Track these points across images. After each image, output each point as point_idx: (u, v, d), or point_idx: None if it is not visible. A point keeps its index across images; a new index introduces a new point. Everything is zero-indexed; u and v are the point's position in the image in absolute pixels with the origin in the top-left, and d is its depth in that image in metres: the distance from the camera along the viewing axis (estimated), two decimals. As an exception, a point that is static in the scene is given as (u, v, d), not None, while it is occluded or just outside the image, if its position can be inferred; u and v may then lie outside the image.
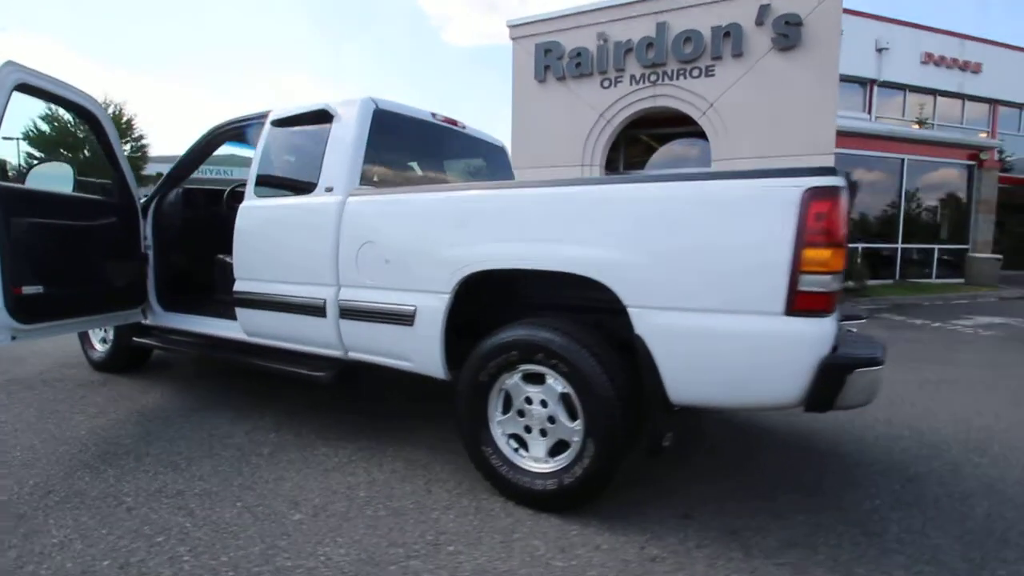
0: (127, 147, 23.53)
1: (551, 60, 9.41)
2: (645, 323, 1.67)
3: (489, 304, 2.24)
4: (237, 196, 3.60)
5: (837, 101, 7.79)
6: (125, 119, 23.65)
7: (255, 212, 2.69)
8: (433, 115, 2.96)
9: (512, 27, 9.76)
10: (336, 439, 2.57)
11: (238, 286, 2.73)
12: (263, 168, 2.75)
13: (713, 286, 1.60)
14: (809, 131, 7.61)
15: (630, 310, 1.70)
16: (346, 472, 2.22)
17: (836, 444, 2.65)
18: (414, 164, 3.03)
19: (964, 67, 18.34)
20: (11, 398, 3.09)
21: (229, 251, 3.45)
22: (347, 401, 3.09)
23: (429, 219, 2.10)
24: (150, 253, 3.24)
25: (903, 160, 13.07)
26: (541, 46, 9.49)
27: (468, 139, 3.26)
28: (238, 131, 3.10)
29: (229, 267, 3.25)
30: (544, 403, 1.92)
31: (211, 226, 3.51)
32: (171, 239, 3.35)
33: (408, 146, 2.84)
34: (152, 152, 24.86)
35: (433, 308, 2.08)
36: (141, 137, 24.85)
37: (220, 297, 3.31)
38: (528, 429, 1.97)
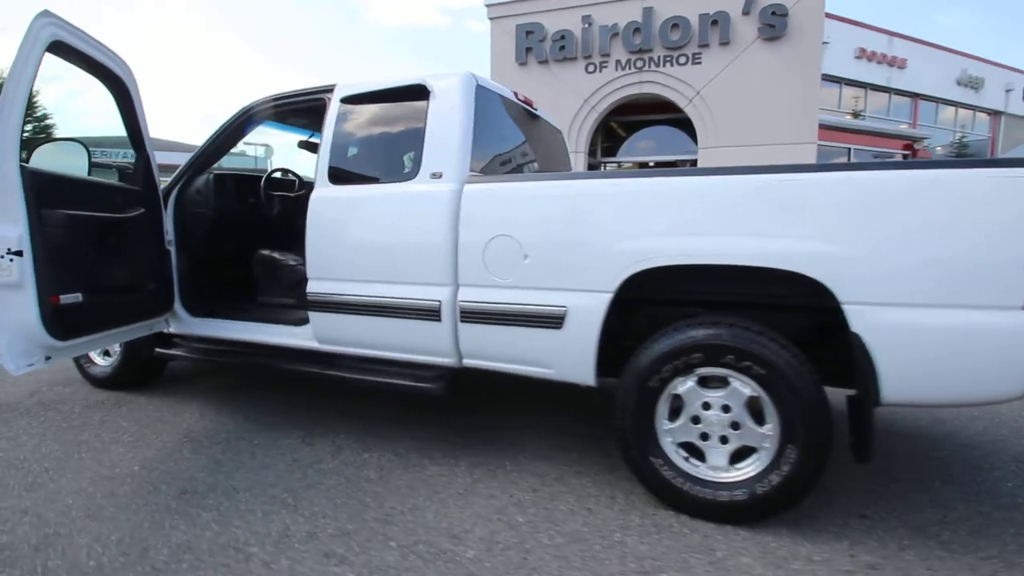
0: (28, 127, 20.87)
1: (533, 42, 9.19)
2: (865, 320, 1.58)
3: (630, 301, 2.08)
4: (274, 184, 3.20)
5: (819, 92, 8.15)
6: (24, 95, 20.82)
7: (333, 203, 2.36)
8: (515, 94, 2.73)
9: (490, 6, 9.43)
10: (440, 455, 2.33)
11: (313, 288, 2.39)
12: (336, 151, 2.41)
13: (943, 281, 1.53)
14: (793, 121, 7.92)
15: (846, 307, 1.60)
16: (482, 495, 2.00)
17: (924, 427, 2.72)
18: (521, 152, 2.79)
19: (892, 63, 19.86)
20: (13, 428, 2.57)
21: (271, 246, 3.06)
22: (418, 410, 2.82)
23: (593, 209, 1.89)
24: (172, 249, 2.79)
25: (850, 149, 14.05)
26: (522, 27, 9.23)
27: (540, 121, 3.04)
28: (286, 109, 2.71)
29: (276, 264, 2.87)
30: (726, 408, 1.80)
31: (245, 218, 3.08)
32: (197, 233, 2.90)
33: (498, 126, 2.59)
34: (57, 133, 22.23)
35: (590, 309, 1.89)
36: (45, 116, 22.12)
37: (266, 299, 2.93)
38: (704, 436, 1.84)
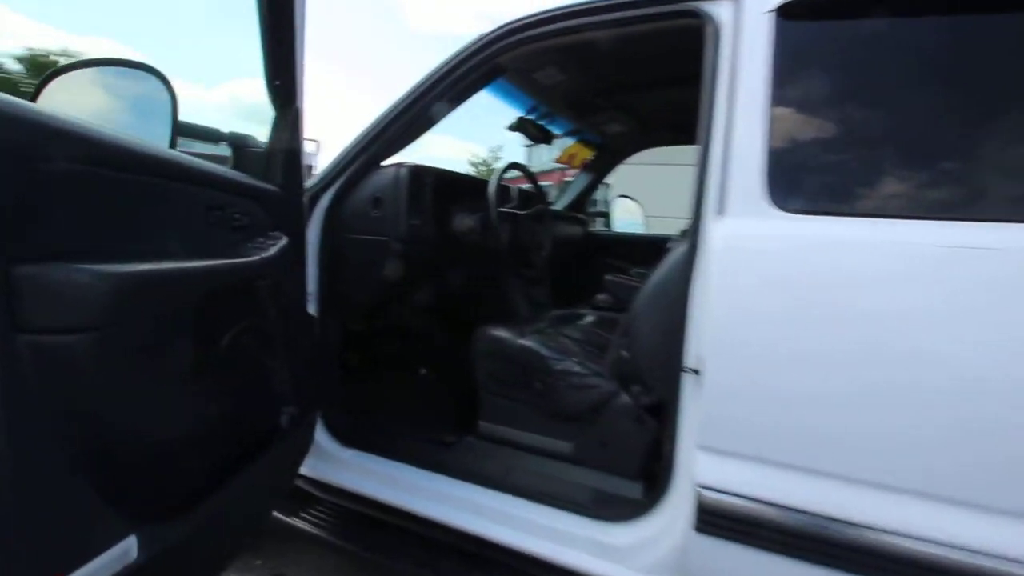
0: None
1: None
2: None
3: None
4: (502, 194, 1.80)
5: None
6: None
7: (809, 265, 0.92)
8: None
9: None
10: None
11: (713, 474, 0.97)
12: (785, 134, 0.99)
13: None
14: None
15: None
16: None
17: None
18: None
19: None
20: None
21: (495, 311, 1.67)
22: None
23: None
24: (312, 311, 1.43)
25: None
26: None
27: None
28: (582, 35, 1.31)
29: (536, 363, 1.45)
30: None
31: (450, 254, 1.67)
32: (365, 279, 1.51)
33: None
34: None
35: None
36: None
37: (499, 432, 1.51)
38: None
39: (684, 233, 1.26)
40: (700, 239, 1.04)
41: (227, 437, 0.88)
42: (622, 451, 1.29)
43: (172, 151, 0.81)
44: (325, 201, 1.48)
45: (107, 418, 0.64)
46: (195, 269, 0.74)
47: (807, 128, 1.01)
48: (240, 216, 0.97)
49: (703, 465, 0.98)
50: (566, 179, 3.10)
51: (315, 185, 1.47)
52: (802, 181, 0.99)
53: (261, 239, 1.04)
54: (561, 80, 1.69)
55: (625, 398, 1.29)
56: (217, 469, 0.85)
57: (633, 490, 1.27)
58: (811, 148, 1.00)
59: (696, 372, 1.02)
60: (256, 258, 0.92)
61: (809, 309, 0.91)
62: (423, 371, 2.00)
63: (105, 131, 0.67)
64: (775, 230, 0.95)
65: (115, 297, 0.59)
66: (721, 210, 1.02)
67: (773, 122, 0.99)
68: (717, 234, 1.00)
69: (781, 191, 0.97)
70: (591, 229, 2.77)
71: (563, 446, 1.36)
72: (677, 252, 1.17)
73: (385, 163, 1.55)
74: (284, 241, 1.09)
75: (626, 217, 2.98)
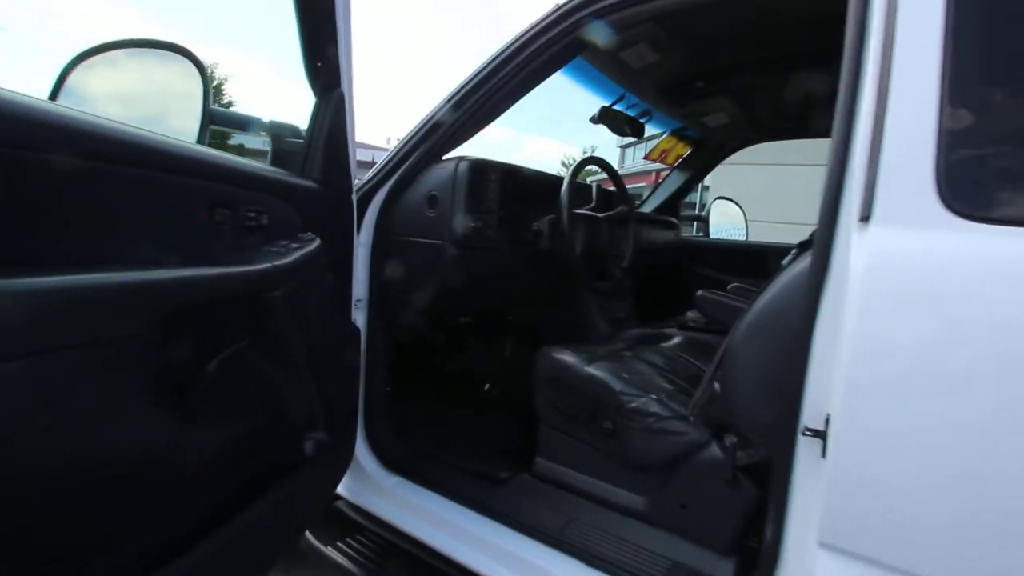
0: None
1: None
2: None
3: None
4: (579, 194, 1.59)
5: None
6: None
7: (1002, 291, 0.63)
8: None
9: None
10: None
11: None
12: (975, 104, 0.69)
13: None
14: None
15: None
16: None
17: None
18: None
19: None
20: None
21: (560, 329, 1.47)
22: None
23: None
24: (361, 323, 1.30)
25: None
26: None
27: None
28: None
29: (605, 395, 1.22)
30: None
31: (513, 262, 1.50)
32: (420, 285, 1.37)
33: None
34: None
35: None
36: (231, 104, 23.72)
37: (559, 475, 1.30)
38: None
39: (805, 244, 0.99)
40: (833, 253, 0.77)
41: (213, 481, 0.76)
42: (708, 517, 1.03)
43: (155, 135, 0.69)
44: (379, 199, 1.36)
45: (25, 471, 0.52)
46: (162, 280, 0.61)
47: (1012, 100, 0.70)
48: (256, 215, 0.84)
49: (825, 570, 0.71)
50: (661, 180, 2.82)
51: (368, 181, 1.35)
52: (999, 177, 0.69)
53: (285, 242, 0.91)
54: (654, 61, 1.44)
55: (715, 450, 1.03)
56: (193, 521, 0.72)
57: (719, 568, 1.01)
58: (1016, 128, 0.69)
59: (818, 434, 0.75)
60: (267, 265, 0.78)
61: (1011, 363, 0.61)
62: (487, 386, 1.84)
63: (52, 108, 0.56)
64: (953, 244, 0.66)
65: (34, 318, 0.47)
66: (867, 215, 0.74)
67: (953, 90, 0.70)
68: (861, 247, 0.72)
69: (962, 190, 0.68)
70: (684, 235, 2.46)
71: (634, 500, 1.12)
72: (797, 268, 0.90)
73: (447, 157, 1.41)
74: (314, 245, 0.95)
75: (725, 222, 2.63)
